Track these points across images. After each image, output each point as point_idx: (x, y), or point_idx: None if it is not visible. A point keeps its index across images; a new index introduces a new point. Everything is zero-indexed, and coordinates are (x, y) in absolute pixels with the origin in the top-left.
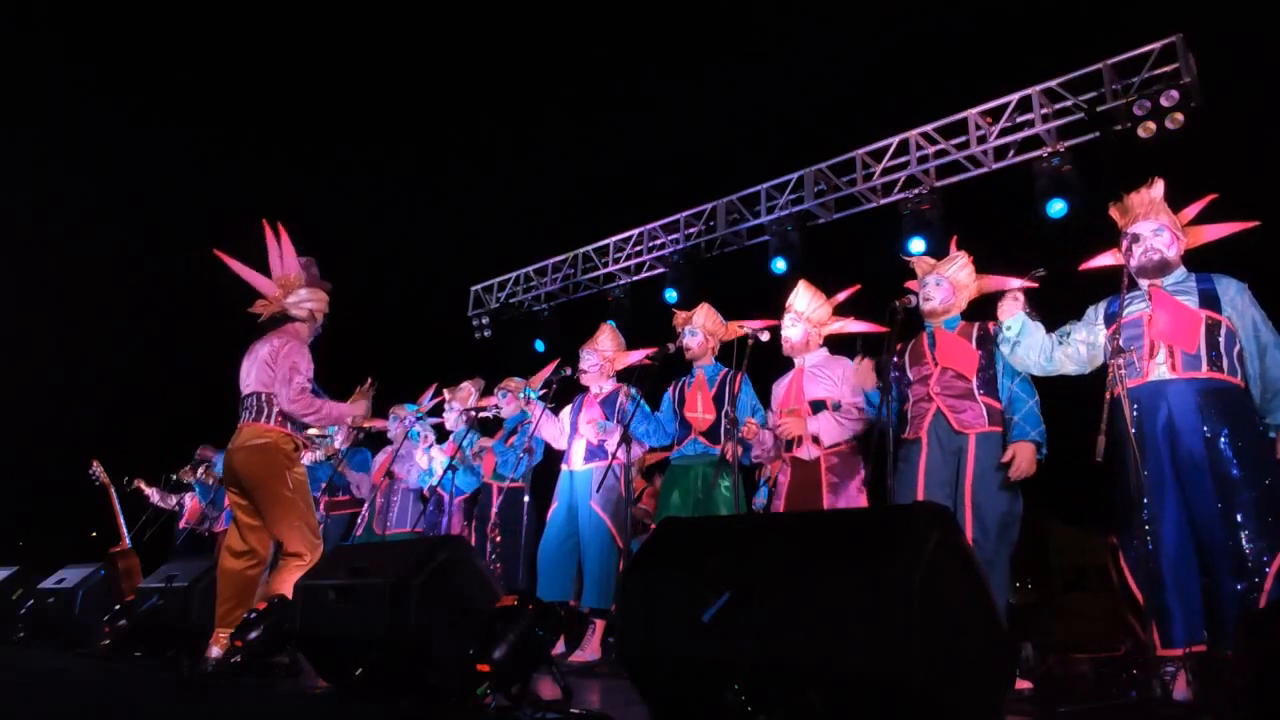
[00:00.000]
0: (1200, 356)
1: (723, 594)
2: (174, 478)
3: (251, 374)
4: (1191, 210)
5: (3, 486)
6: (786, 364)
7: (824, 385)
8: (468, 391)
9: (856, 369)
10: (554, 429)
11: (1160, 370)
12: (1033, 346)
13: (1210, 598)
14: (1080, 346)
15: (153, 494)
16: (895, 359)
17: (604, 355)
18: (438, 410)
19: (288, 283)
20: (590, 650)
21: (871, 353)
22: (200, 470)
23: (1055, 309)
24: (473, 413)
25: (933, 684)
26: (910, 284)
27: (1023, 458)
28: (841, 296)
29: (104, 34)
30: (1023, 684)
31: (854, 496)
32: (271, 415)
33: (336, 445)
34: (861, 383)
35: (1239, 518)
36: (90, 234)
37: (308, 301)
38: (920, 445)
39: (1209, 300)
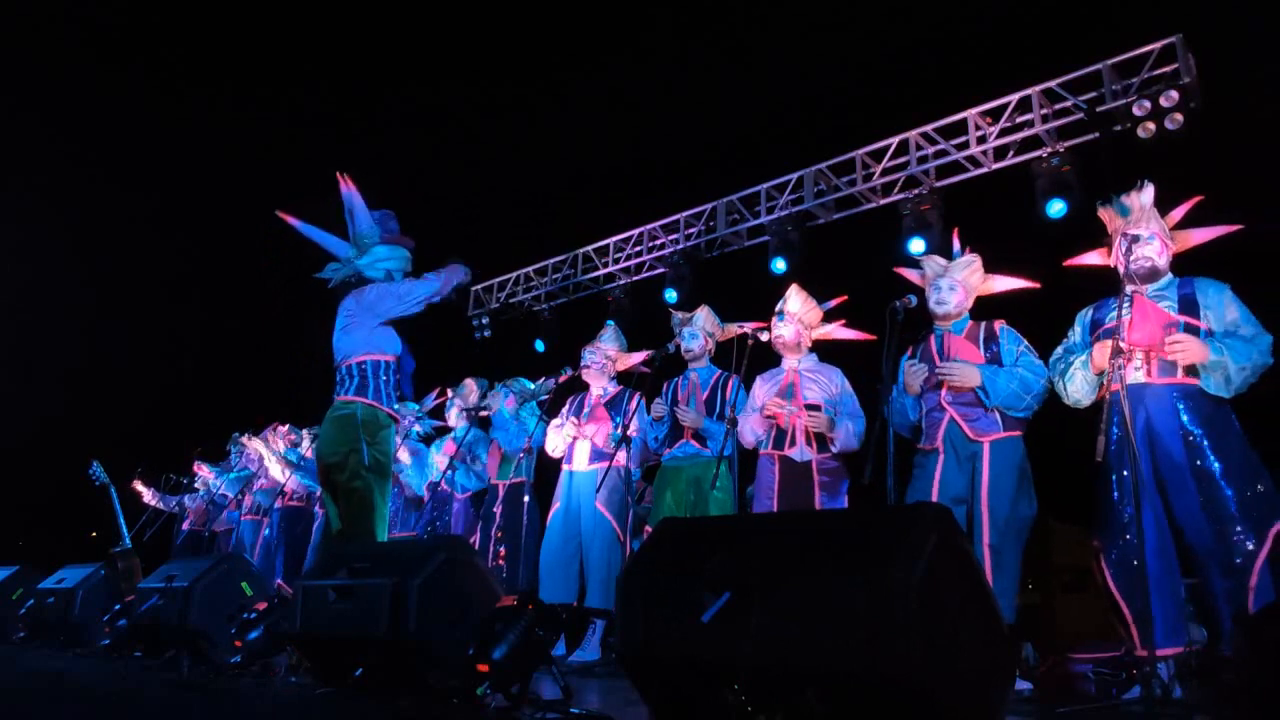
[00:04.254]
0: (1176, 361)
1: (722, 594)
2: (174, 478)
3: (339, 344)
4: (1178, 213)
5: (3, 486)
6: (775, 364)
7: (818, 390)
8: (470, 389)
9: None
10: (556, 440)
11: (1136, 375)
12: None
13: (1201, 597)
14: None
15: (148, 494)
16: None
17: (606, 354)
18: (437, 412)
19: (362, 242)
20: (590, 650)
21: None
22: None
23: (1055, 309)
24: (473, 411)
25: (932, 684)
26: (917, 280)
27: (967, 377)
28: (832, 304)
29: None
30: (1023, 684)
31: (842, 500)
32: (353, 386)
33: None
34: (909, 383)
35: (1222, 515)
36: (90, 234)
37: (385, 261)
38: (937, 455)
39: (1188, 305)
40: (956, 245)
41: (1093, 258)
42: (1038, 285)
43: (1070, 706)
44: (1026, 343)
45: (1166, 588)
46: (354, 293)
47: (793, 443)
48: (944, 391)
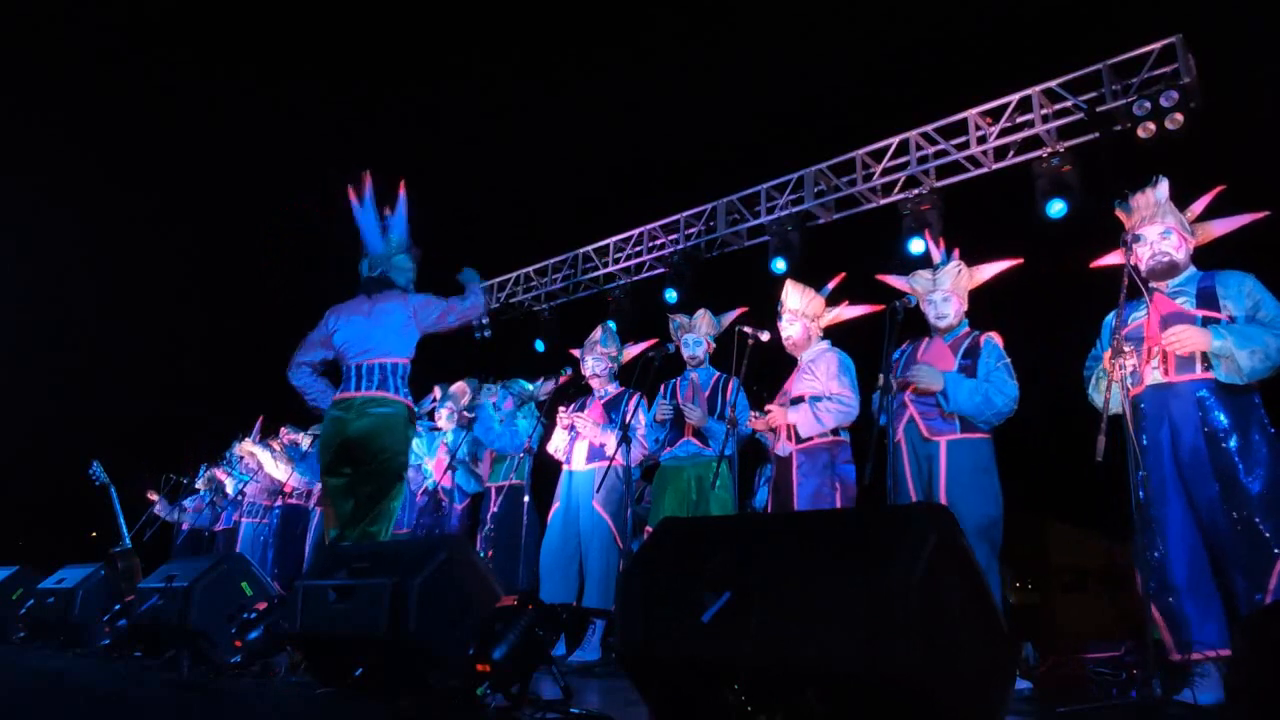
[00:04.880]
0: (1194, 357)
1: (722, 594)
2: (173, 478)
3: (380, 340)
4: (1199, 205)
5: (3, 486)
6: (789, 364)
7: (808, 381)
8: (462, 391)
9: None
10: (558, 441)
11: (1154, 375)
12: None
13: (1227, 598)
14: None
15: (159, 504)
16: (897, 360)
17: (610, 355)
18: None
19: (396, 247)
20: (590, 650)
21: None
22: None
23: (1055, 309)
24: (466, 413)
25: (932, 684)
26: (903, 287)
27: (931, 381)
28: (830, 286)
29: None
30: (1023, 684)
31: (823, 495)
32: (394, 384)
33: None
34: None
35: (1243, 512)
36: (90, 234)
37: (406, 271)
38: (901, 449)
39: (1206, 299)
40: (937, 253)
41: (1114, 258)
42: (1020, 261)
43: (1070, 706)
44: (1007, 361)
45: (1200, 588)
46: (392, 294)
47: (776, 438)
48: (910, 387)
